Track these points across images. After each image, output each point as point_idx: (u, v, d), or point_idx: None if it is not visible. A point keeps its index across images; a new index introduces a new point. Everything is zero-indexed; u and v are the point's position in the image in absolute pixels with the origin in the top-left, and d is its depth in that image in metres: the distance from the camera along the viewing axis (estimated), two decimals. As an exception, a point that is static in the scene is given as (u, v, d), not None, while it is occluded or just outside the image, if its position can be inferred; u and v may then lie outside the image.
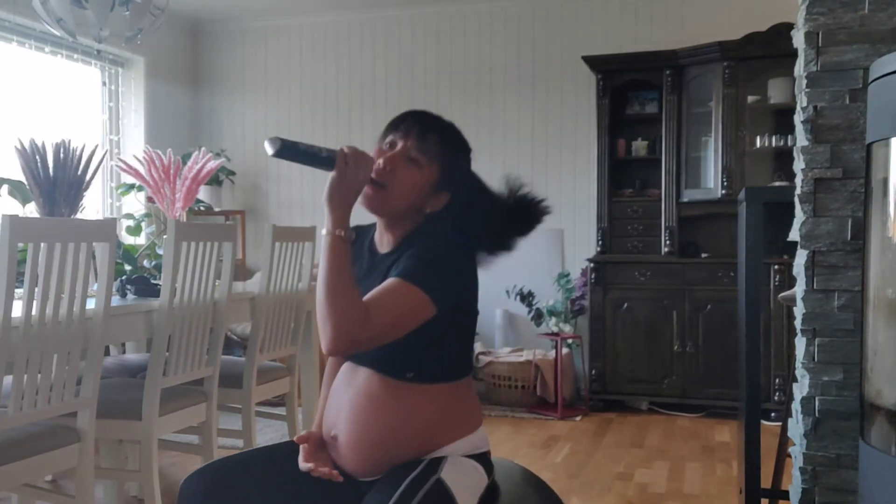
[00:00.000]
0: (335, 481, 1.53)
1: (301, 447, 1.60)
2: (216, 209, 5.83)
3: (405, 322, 1.46)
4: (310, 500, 1.59)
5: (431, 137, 1.58)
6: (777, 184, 4.71)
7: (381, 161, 1.56)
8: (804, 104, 2.02)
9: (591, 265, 5.07)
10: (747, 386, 2.41)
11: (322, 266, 1.45)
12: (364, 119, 5.81)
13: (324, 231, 1.47)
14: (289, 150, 1.46)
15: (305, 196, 5.98)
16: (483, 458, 1.60)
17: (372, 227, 1.69)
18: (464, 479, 1.52)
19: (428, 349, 1.53)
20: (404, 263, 1.49)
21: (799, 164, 2.04)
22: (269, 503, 1.60)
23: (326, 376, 1.75)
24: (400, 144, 1.58)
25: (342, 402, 1.59)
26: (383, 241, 1.65)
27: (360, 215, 1.57)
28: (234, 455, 1.69)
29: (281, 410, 3.57)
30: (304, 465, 1.56)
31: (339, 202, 1.47)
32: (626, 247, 5.16)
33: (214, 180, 5.78)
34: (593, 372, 5.03)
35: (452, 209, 1.62)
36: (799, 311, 2.04)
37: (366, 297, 1.45)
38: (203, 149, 3.61)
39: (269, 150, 1.45)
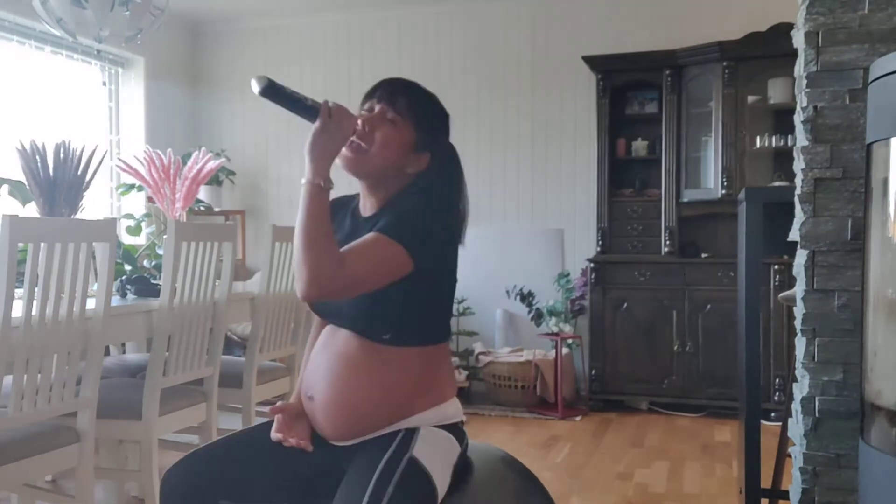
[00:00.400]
0: (309, 451, 1.58)
1: (276, 418, 1.63)
2: (216, 209, 5.83)
3: (380, 275, 1.48)
4: (289, 474, 1.63)
5: (406, 100, 1.62)
6: (777, 184, 4.71)
7: (359, 122, 1.59)
8: (804, 104, 2.02)
9: (591, 265, 5.07)
10: (747, 386, 2.41)
11: (300, 214, 1.47)
12: (364, 119, 5.80)
13: (303, 181, 1.49)
14: (275, 92, 1.48)
15: (305, 196, 5.97)
16: (455, 429, 1.63)
17: (355, 196, 1.72)
18: (436, 452, 1.55)
19: (406, 311, 1.55)
20: (385, 220, 1.52)
21: (799, 164, 2.04)
22: (252, 483, 1.62)
23: (308, 346, 1.77)
24: (377, 108, 1.62)
25: (320, 364, 1.62)
26: (367, 206, 1.68)
27: (342, 185, 1.59)
28: (213, 442, 1.71)
29: (281, 410, 3.56)
30: (274, 435, 1.60)
31: (321, 153, 1.50)
32: (626, 247, 5.16)
33: (214, 180, 5.78)
34: (593, 372, 5.03)
35: (434, 171, 1.66)
36: (799, 311, 2.04)
37: (343, 248, 1.49)
38: (203, 149, 3.61)
39: (256, 87, 1.47)
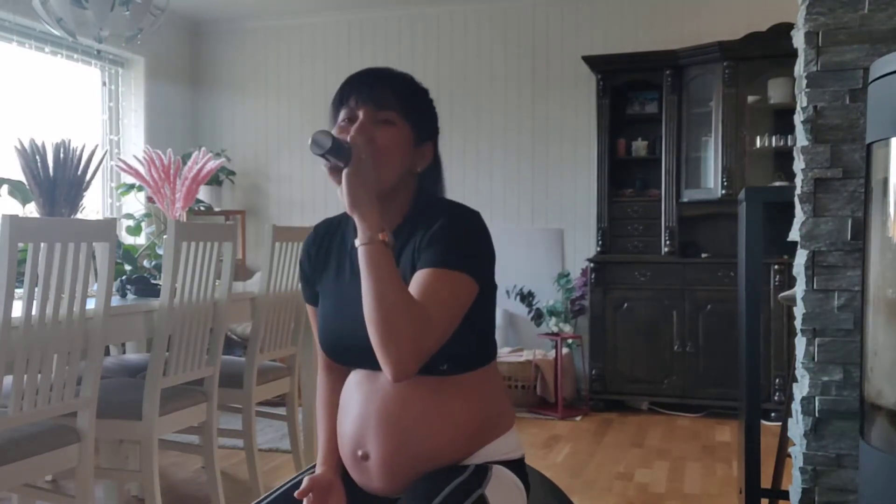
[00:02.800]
0: None
1: (304, 502, 1.42)
2: (216, 209, 5.83)
3: (460, 311, 1.33)
4: None
5: (390, 93, 1.41)
6: (777, 184, 4.71)
7: (353, 134, 1.35)
8: (804, 104, 2.02)
9: (591, 265, 5.07)
10: (747, 386, 2.41)
11: (372, 282, 1.27)
12: (364, 119, 5.81)
13: (357, 242, 1.29)
14: (333, 149, 1.28)
15: (305, 196, 5.98)
16: (520, 470, 1.49)
17: (343, 217, 1.52)
18: (506, 501, 1.40)
19: (462, 335, 1.36)
20: (432, 252, 1.34)
21: (799, 164, 2.04)
22: None
23: (323, 402, 1.56)
24: (361, 113, 1.39)
25: (368, 415, 1.40)
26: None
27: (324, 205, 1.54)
28: None
29: (281, 410, 3.57)
30: None
31: (368, 200, 1.30)
32: (626, 247, 5.16)
33: (214, 180, 5.78)
34: (593, 372, 5.03)
35: (438, 159, 1.50)
36: (799, 311, 2.04)
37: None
38: (203, 149, 3.61)
39: (318, 149, 1.27)
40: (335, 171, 1.33)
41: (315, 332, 1.55)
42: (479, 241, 1.40)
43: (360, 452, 1.42)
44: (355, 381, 1.46)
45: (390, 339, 1.25)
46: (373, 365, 1.37)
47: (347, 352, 1.46)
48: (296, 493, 1.42)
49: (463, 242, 1.37)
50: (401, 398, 1.39)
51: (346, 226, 1.52)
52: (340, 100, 1.42)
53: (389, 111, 1.39)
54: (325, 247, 1.53)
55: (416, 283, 1.33)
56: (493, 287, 1.47)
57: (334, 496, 1.44)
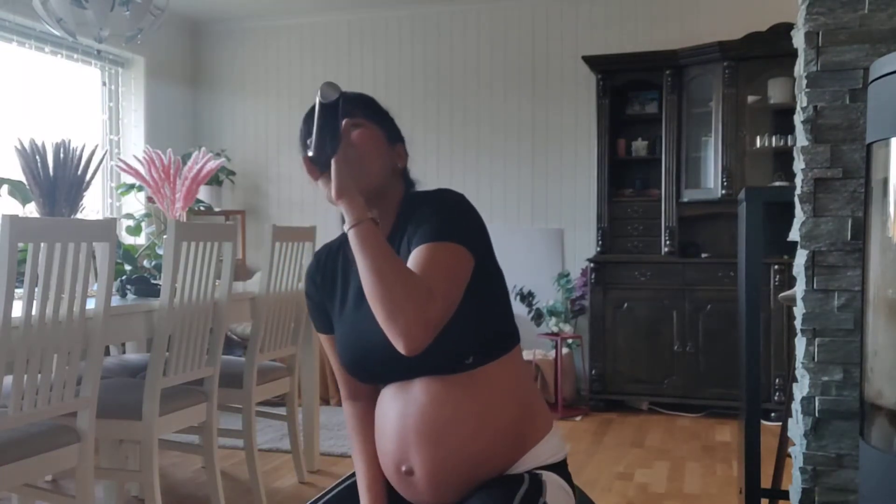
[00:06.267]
0: None
1: None
2: (216, 209, 5.84)
3: (459, 282, 1.32)
4: None
5: (352, 106, 1.44)
6: (777, 184, 4.72)
7: (345, 124, 1.40)
8: (804, 104, 2.02)
9: (591, 265, 5.07)
10: (747, 386, 2.41)
11: (368, 259, 1.26)
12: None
13: (346, 226, 1.30)
14: (334, 109, 1.30)
15: (305, 196, 5.98)
16: (565, 472, 1.48)
17: (342, 239, 1.52)
18: None
19: (479, 319, 1.39)
20: (421, 231, 1.35)
21: (799, 164, 2.04)
22: None
23: (355, 432, 1.55)
24: None
25: (406, 428, 1.39)
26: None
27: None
28: None
29: (281, 410, 3.57)
30: None
31: (354, 187, 1.32)
32: (626, 247, 5.16)
33: (214, 180, 5.78)
34: (593, 372, 5.03)
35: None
36: (799, 311, 2.04)
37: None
38: (203, 149, 3.61)
39: (329, 96, 1.29)
40: (313, 164, 1.35)
41: (333, 359, 1.55)
42: (468, 216, 1.41)
43: (403, 468, 1.41)
44: (389, 395, 1.45)
45: (395, 310, 1.23)
46: (401, 375, 1.39)
47: (373, 368, 1.45)
48: None
49: (453, 218, 1.38)
50: (435, 401, 1.38)
51: (346, 246, 1.51)
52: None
53: (356, 118, 1.43)
54: (330, 270, 1.55)
55: (413, 260, 1.32)
56: (496, 267, 1.47)
57: None
